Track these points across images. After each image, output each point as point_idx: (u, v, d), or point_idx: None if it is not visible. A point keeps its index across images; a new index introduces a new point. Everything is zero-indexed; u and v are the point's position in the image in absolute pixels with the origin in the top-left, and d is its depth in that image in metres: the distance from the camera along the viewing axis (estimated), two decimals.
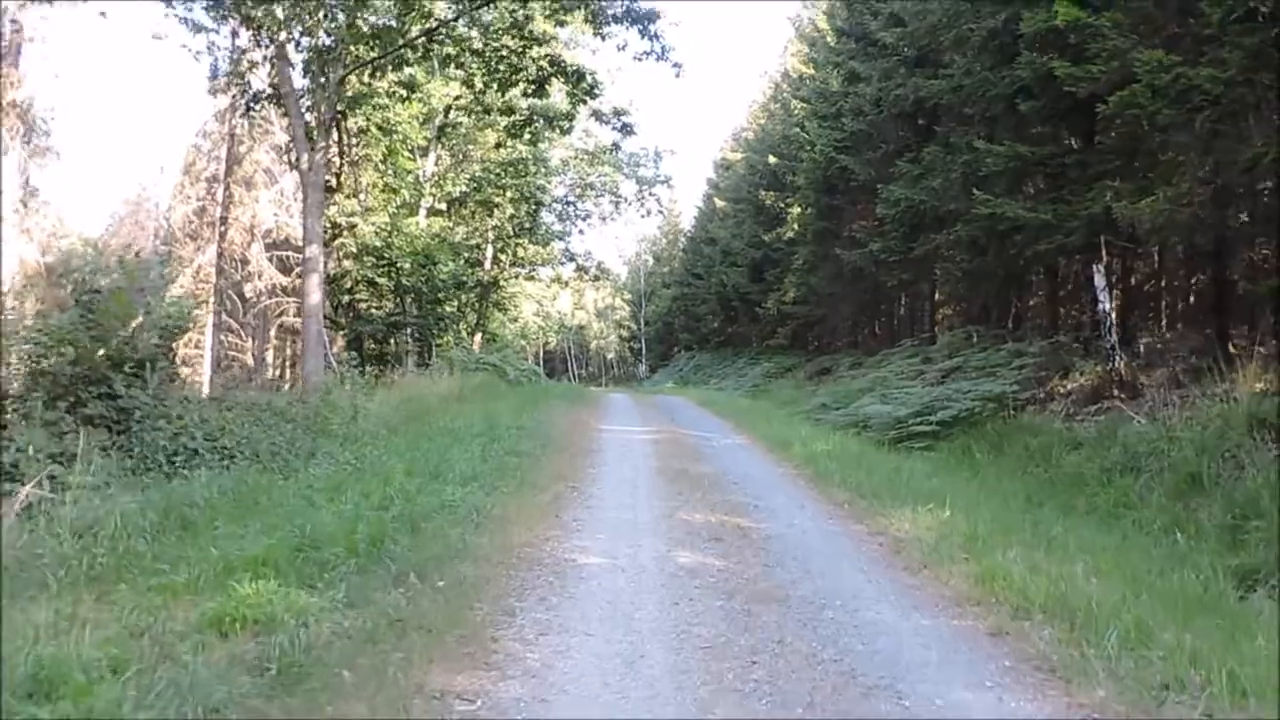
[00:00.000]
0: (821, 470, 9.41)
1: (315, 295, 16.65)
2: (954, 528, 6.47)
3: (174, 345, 11.86)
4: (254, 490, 6.89)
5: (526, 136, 17.70)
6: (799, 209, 29.11)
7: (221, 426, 9.14)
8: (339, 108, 16.82)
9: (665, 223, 64.37)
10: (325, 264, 24.40)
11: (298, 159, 16.54)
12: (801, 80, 31.47)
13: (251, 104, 19.66)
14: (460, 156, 29.09)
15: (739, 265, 36.33)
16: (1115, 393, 11.54)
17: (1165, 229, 10.25)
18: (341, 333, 23.44)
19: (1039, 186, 14.12)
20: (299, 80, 17.06)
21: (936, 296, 22.00)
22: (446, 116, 17.28)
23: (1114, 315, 12.02)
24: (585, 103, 16.92)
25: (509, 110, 17.40)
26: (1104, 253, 11.99)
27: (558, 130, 18.27)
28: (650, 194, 38.34)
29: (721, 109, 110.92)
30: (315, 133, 16.68)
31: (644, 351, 62.19)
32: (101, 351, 9.76)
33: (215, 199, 26.36)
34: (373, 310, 22.26)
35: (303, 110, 16.69)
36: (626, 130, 17.15)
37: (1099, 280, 11.94)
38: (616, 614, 4.75)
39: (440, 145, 27.93)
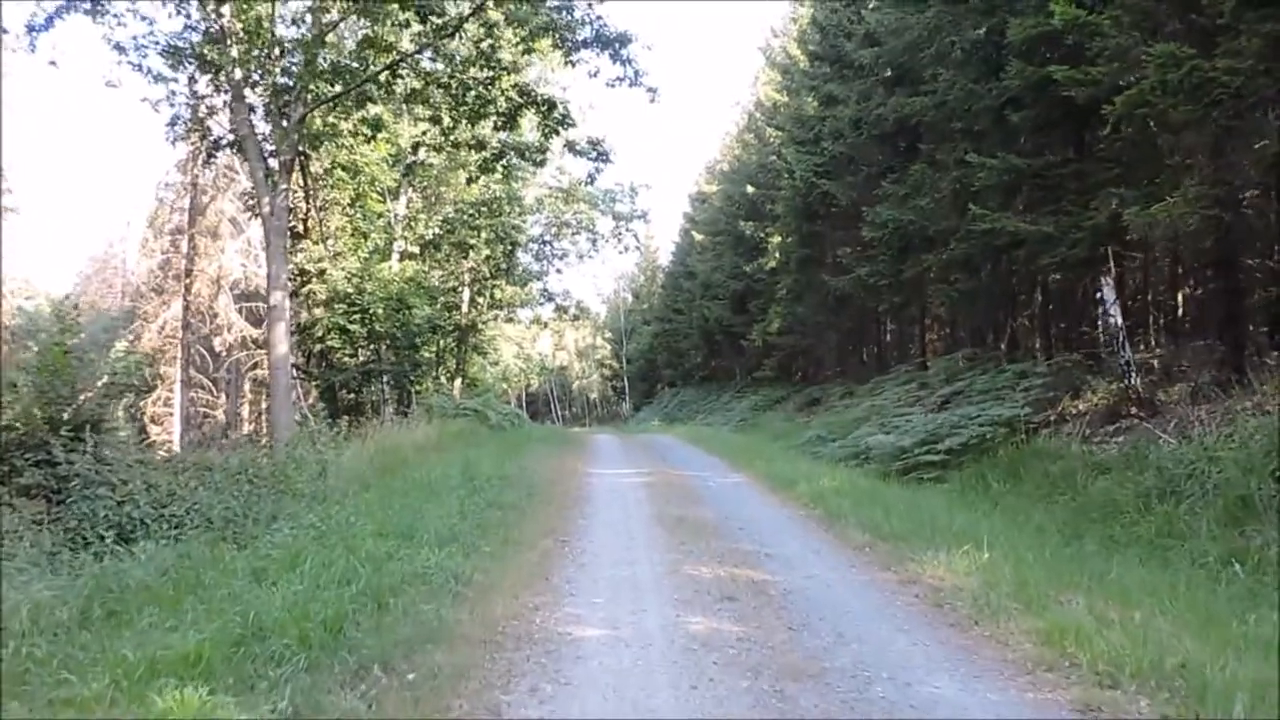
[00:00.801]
0: (832, 510, 8.64)
1: (282, 346, 15.83)
2: (997, 573, 5.71)
3: (127, 404, 11.04)
4: (199, 565, 6.04)
5: (499, 172, 17.03)
6: (779, 238, 28.61)
7: (171, 492, 8.29)
8: (300, 148, 16.10)
9: (643, 259, 64.02)
10: (295, 312, 23.65)
11: (259, 202, 15.83)
12: (776, 108, 31.15)
13: (212, 151, 18.95)
14: (432, 198, 28.46)
15: (720, 298, 35.76)
16: (1133, 411, 10.87)
17: (1179, 235, 9.62)
18: (314, 383, 22.57)
19: (1034, 199, 13.53)
20: (259, 122, 16.39)
21: (927, 320, 21.37)
22: (415, 154, 16.58)
23: (1125, 329, 11.37)
24: (558, 133, 16.28)
25: (479, 145, 16.75)
26: (1111, 264, 11.37)
27: (530, 163, 17.65)
28: (627, 229, 37.77)
29: (693, 144, 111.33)
30: (277, 175, 15.98)
31: (627, 390, 61.45)
32: (37, 413, 8.94)
33: (180, 251, 25.49)
34: (345, 359, 21.38)
35: (263, 152, 15.99)
36: (602, 158, 16.52)
37: (1108, 293, 11.32)
38: (624, 705, 3.94)
39: (411, 187, 27.31)
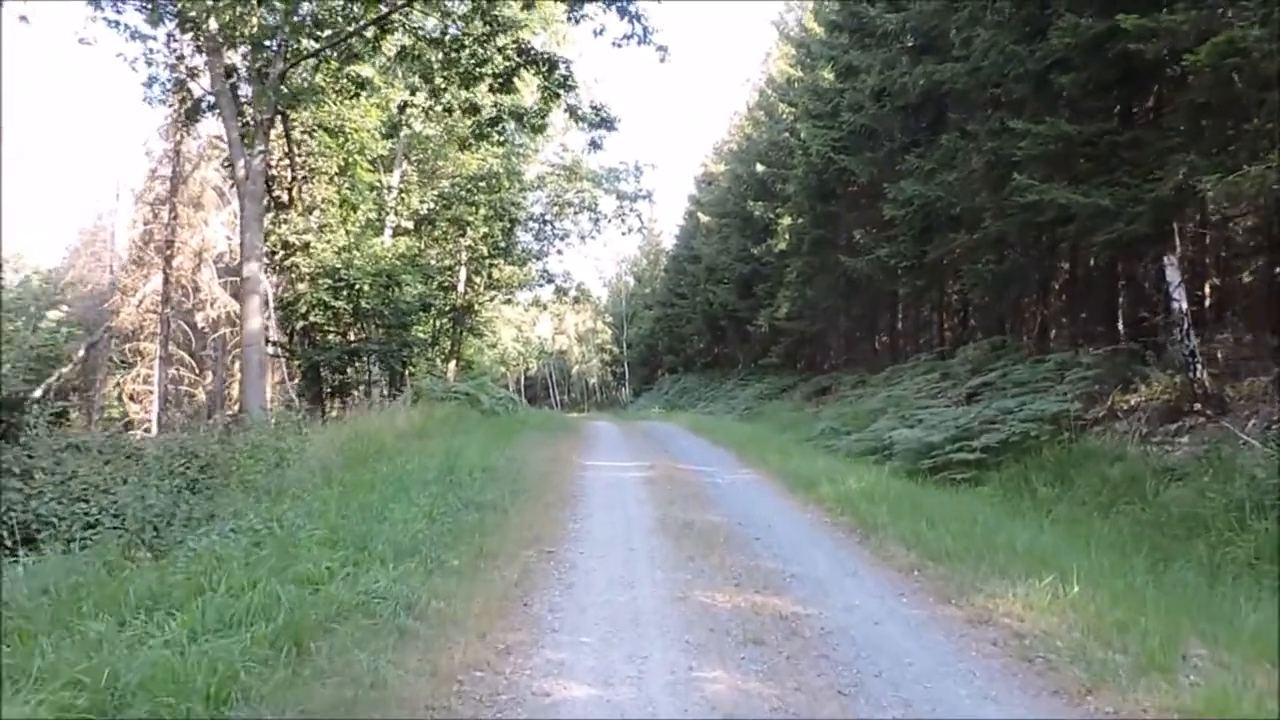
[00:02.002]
0: (864, 517, 7.41)
1: (255, 320, 14.66)
2: (1097, 613, 4.50)
3: (53, 382, 9.88)
4: (90, 584, 4.83)
5: (495, 139, 15.74)
6: (790, 219, 27.30)
7: (93, 485, 7.09)
8: (280, 107, 14.83)
9: (646, 242, 62.76)
10: (277, 287, 22.41)
11: (234, 165, 14.60)
12: (790, 83, 29.79)
13: (193, 115, 17.70)
14: (428, 171, 27.19)
15: (726, 281, 34.47)
16: (1196, 407, 9.64)
17: (1265, 205, 8.37)
18: (296, 363, 21.36)
19: (1084, 171, 12.26)
20: (238, 80, 15.15)
21: (952, 304, 20.09)
22: (402, 114, 15.29)
23: (1189, 315, 10.11)
24: (558, 96, 14.99)
25: (473, 109, 15.45)
26: (1177, 241, 10.11)
27: (529, 129, 16.35)
28: (631, 209, 36.56)
29: (699, 124, 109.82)
30: (254, 136, 14.74)
31: (627, 375, 60.29)
32: None
33: (161, 221, 24.22)
34: (330, 337, 20.14)
35: (239, 109, 14.74)
36: (606, 125, 15.21)
37: (1171, 274, 10.06)
38: None
39: (406, 159, 26.05)
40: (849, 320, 25.90)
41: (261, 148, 14.48)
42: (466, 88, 15.12)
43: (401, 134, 24.92)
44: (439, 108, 15.31)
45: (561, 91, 15.08)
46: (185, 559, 5.43)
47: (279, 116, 17.09)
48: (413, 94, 15.53)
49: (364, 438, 12.06)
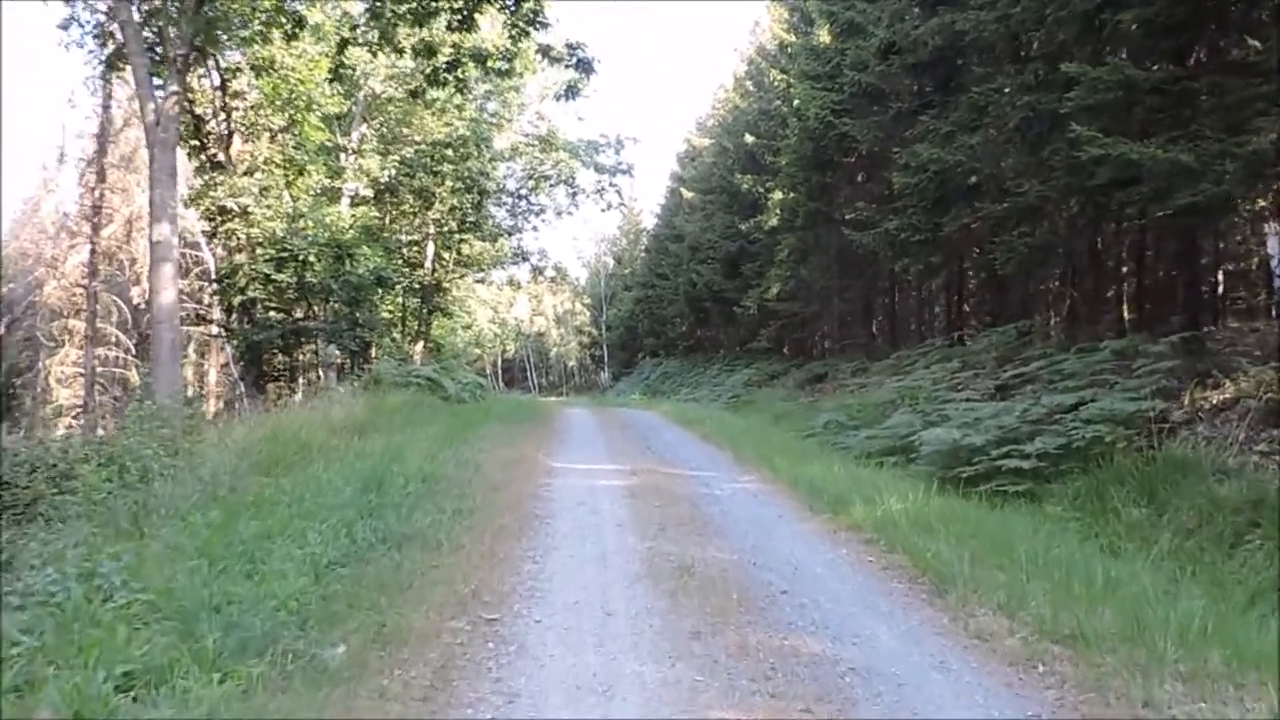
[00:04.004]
0: (926, 560, 5.43)
1: (168, 291, 12.50)
2: None
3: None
4: None
5: (452, 85, 13.55)
6: (782, 193, 25.25)
7: None
8: (197, 40, 12.60)
9: (626, 221, 60.72)
10: (219, 258, 20.19)
11: (141, 108, 12.40)
12: (782, 49, 27.74)
13: (116, 60, 15.46)
14: (388, 135, 24.94)
15: (711, 260, 32.46)
16: None
17: None
18: (233, 343, 19.19)
19: (1145, 124, 10.35)
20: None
21: (967, 284, 18.18)
22: (341, 52, 13.11)
23: None
24: (528, 34, 12.88)
25: (429, 50, 13.26)
26: None
27: (494, 73, 14.15)
28: (611, 184, 34.55)
29: (681, 101, 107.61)
30: (166, 73, 12.56)
31: (606, 359, 58.29)
32: None
33: (88, 185, 21.85)
34: (270, 314, 17.95)
35: (144, 42, 12.56)
36: (583, 67, 13.08)
37: (1274, 245, 8.16)
38: None
39: (365, 122, 23.81)
40: (843, 302, 23.99)
41: (175, 88, 12.27)
42: (420, 25, 12.95)
43: (361, 94, 22.77)
44: (388, 48, 13.08)
45: (531, 29, 12.97)
46: None
47: (207, 59, 14.91)
48: (353, 30, 13.29)
49: (287, 435, 9.94)
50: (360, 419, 12.51)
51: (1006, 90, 12.89)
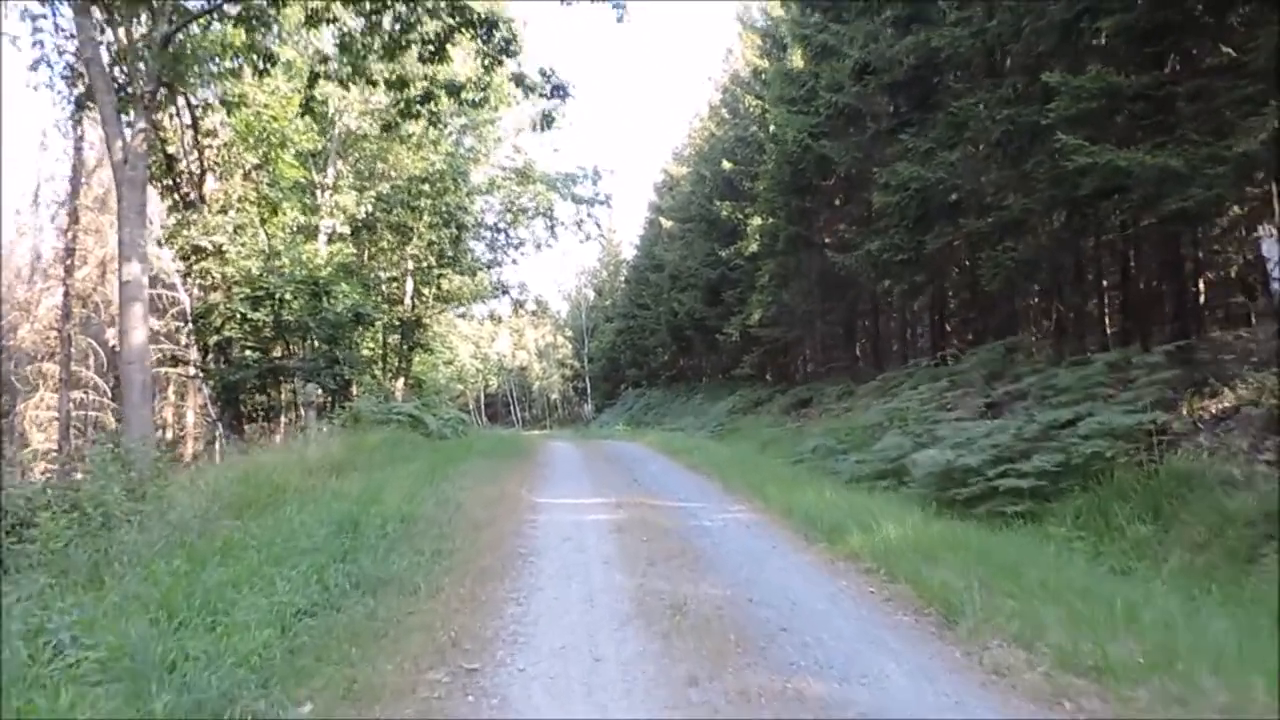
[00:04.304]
0: (931, 588, 5.15)
1: (138, 331, 12.20)
2: None
3: None
4: None
5: (424, 116, 13.34)
6: (761, 219, 25.15)
7: None
8: (164, 76, 12.37)
9: (605, 253, 60.70)
10: (195, 296, 19.82)
11: (109, 146, 12.15)
12: (756, 75, 27.83)
13: (83, 102, 15.20)
14: (364, 171, 24.73)
15: (693, 288, 32.29)
16: None
17: None
18: (209, 383, 18.79)
19: (1128, 131, 10.23)
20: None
21: (948, 303, 18.02)
22: (312, 88, 12.88)
23: None
24: (500, 63, 12.74)
25: (400, 83, 13.07)
26: (1276, 205, 8.05)
27: (468, 104, 13.94)
28: (589, 215, 34.51)
29: (657, 133, 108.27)
30: (134, 110, 12.33)
31: (589, 391, 57.94)
32: None
33: (59, 227, 21.48)
34: (247, 353, 17.58)
35: (111, 79, 12.33)
36: (558, 93, 12.92)
37: (1269, 249, 8.03)
38: None
39: (340, 159, 23.61)
40: (825, 325, 23.82)
41: (143, 125, 12.03)
42: (391, 58, 12.77)
43: (335, 131, 22.59)
44: (360, 81, 12.87)
45: (504, 58, 12.83)
46: None
47: (176, 96, 14.67)
48: (324, 62, 13.08)
49: (262, 477, 9.59)
50: (338, 458, 12.15)
51: (983, 105, 12.80)
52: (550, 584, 5.85)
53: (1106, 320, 12.95)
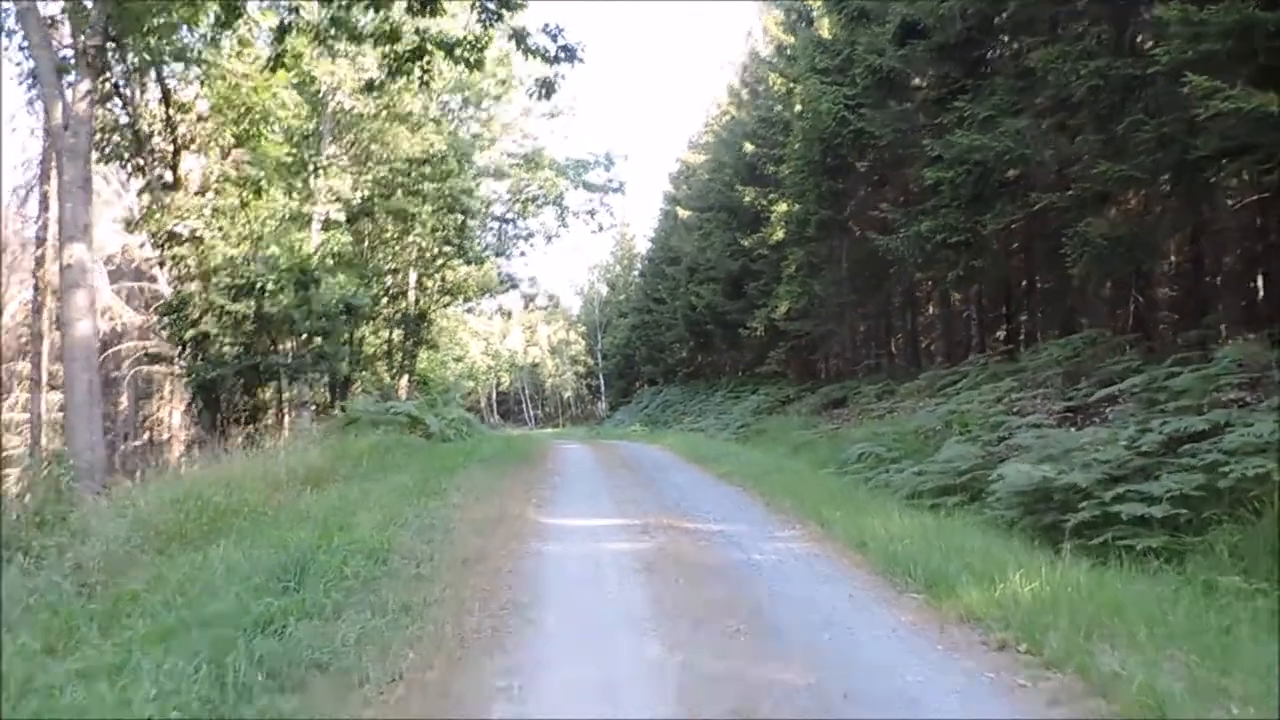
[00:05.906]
0: (1139, 699, 3.45)
1: (83, 323, 10.60)
2: None
3: None
4: None
5: (417, 75, 11.69)
6: (786, 204, 23.39)
7: None
8: (112, 30, 10.75)
9: (618, 246, 59.13)
10: (173, 285, 18.24)
11: (47, 110, 10.57)
12: (780, 51, 26.10)
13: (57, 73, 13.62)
14: (362, 155, 23.17)
15: (712, 280, 30.52)
16: None
17: None
18: (185, 381, 17.21)
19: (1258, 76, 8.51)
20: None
21: (1014, 291, 16.20)
22: (282, 41, 11.24)
23: None
24: (500, 18, 11.07)
25: (391, 36, 11.42)
26: None
27: (463, 63, 12.24)
28: (602, 203, 32.92)
29: (670, 122, 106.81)
30: (77, 68, 10.72)
31: (603, 388, 56.40)
32: None
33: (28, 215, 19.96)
34: (224, 349, 15.96)
35: (48, 34, 10.72)
36: (567, 55, 11.26)
37: None
38: None
39: (333, 140, 22.03)
40: (858, 318, 22.06)
41: (87, 85, 10.41)
42: (376, 8, 11.13)
43: (328, 110, 21.01)
44: (341, 34, 11.23)
45: (504, 11, 11.17)
46: None
47: (125, 53, 13.05)
48: (294, 11, 11.43)
49: (210, 494, 7.95)
50: (316, 468, 10.56)
51: (1063, 59, 11.03)
52: (558, 659, 4.17)
53: (1220, 307, 11.15)
